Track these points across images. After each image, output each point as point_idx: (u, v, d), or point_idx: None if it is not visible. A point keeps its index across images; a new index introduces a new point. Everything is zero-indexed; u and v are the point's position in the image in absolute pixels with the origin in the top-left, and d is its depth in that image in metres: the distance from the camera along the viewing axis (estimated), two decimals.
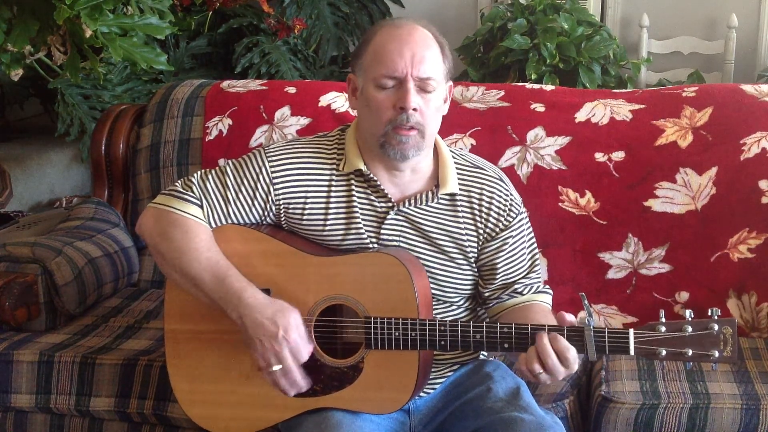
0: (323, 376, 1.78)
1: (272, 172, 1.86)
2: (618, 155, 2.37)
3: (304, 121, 2.56)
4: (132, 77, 3.74)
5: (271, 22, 3.94)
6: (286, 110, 2.58)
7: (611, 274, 2.36)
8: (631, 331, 1.66)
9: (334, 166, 1.87)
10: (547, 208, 2.36)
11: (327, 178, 1.87)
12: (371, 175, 1.84)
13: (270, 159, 1.87)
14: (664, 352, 1.65)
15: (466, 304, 1.93)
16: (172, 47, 3.94)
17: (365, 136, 1.84)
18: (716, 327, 1.64)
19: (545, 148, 2.40)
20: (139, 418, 2.12)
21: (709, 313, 1.65)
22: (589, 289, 2.34)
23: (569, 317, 1.69)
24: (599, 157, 2.38)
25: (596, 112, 2.44)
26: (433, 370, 1.85)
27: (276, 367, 1.73)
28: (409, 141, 1.78)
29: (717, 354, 1.64)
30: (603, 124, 2.42)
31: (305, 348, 1.74)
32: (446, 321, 1.75)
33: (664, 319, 1.66)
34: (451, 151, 1.92)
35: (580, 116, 2.44)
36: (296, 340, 1.72)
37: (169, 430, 2.12)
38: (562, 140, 2.41)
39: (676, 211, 2.33)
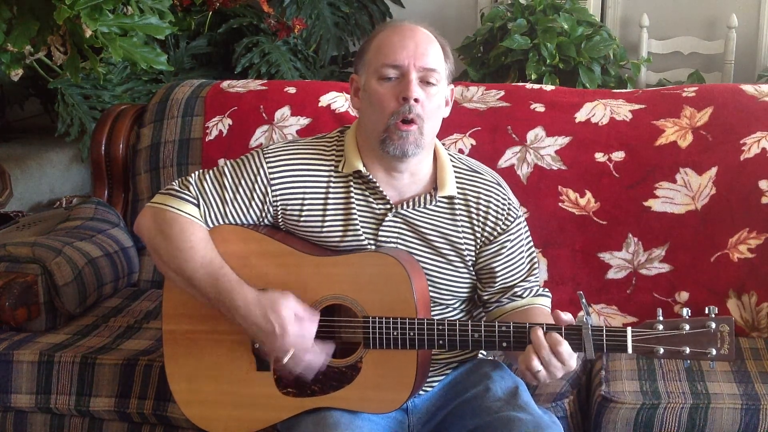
0: (321, 376, 1.78)
1: (270, 174, 1.85)
2: (618, 155, 2.37)
3: (304, 121, 2.56)
4: (132, 77, 3.74)
5: (271, 22, 3.94)
6: (286, 110, 2.58)
7: (611, 274, 2.36)
8: (629, 329, 1.66)
9: (333, 167, 1.87)
10: (547, 208, 2.36)
11: (325, 179, 1.86)
12: (370, 177, 1.84)
13: (268, 160, 1.86)
14: (662, 350, 1.65)
15: (462, 307, 1.93)
16: (172, 47, 3.94)
17: (366, 134, 1.84)
18: (713, 325, 1.64)
19: (545, 148, 2.40)
20: (139, 418, 2.12)
21: (706, 311, 1.65)
22: (589, 289, 2.33)
23: (566, 316, 1.70)
24: (599, 157, 2.38)
25: (596, 112, 2.44)
26: (431, 368, 1.84)
27: (287, 359, 1.74)
28: (409, 136, 1.77)
29: (714, 352, 1.64)
30: (603, 124, 2.41)
31: (308, 331, 1.74)
32: (444, 320, 1.75)
33: (661, 318, 1.67)
34: (449, 155, 1.92)
35: (580, 116, 2.44)
36: (295, 331, 1.72)
37: (169, 430, 2.12)
38: (562, 140, 2.41)
39: (676, 211, 2.33)
